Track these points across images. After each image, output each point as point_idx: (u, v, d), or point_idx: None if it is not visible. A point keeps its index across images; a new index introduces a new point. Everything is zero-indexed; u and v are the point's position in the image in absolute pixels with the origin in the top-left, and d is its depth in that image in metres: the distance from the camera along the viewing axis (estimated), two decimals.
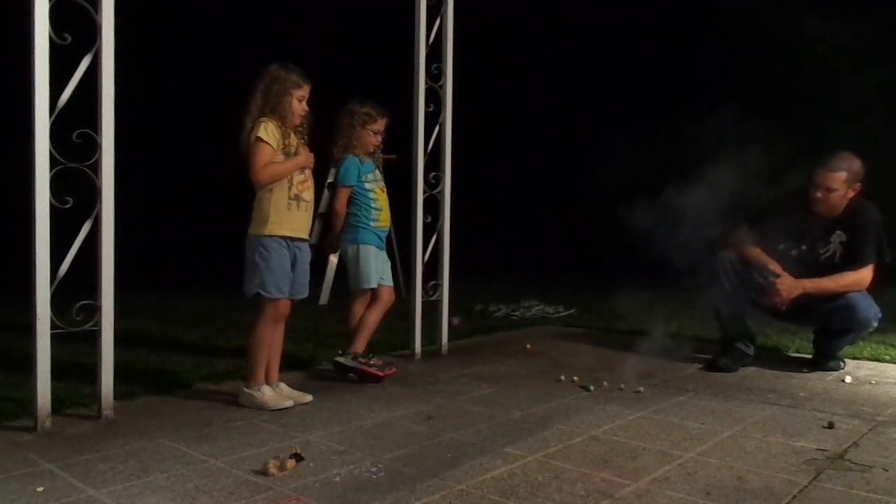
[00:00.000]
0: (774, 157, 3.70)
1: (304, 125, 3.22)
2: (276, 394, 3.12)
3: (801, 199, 3.93)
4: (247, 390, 3.13)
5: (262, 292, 3.07)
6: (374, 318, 3.79)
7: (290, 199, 3.10)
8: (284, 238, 3.10)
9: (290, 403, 3.09)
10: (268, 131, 3.04)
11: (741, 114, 3.75)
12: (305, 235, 3.21)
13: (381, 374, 3.67)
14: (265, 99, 3.08)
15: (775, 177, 3.83)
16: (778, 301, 3.76)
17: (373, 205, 3.78)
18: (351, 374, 3.69)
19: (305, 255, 3.22)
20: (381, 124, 3.76)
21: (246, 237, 3.13)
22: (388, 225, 3.92)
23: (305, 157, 3.15)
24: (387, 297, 3.83)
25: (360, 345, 3.74)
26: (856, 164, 3.81)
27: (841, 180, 3.79)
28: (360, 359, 3.69)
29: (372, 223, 3.78)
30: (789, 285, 3.74)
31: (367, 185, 3.78)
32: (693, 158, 3.75)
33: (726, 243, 3.98)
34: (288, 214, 3.10)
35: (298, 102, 3.12)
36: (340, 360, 3.70)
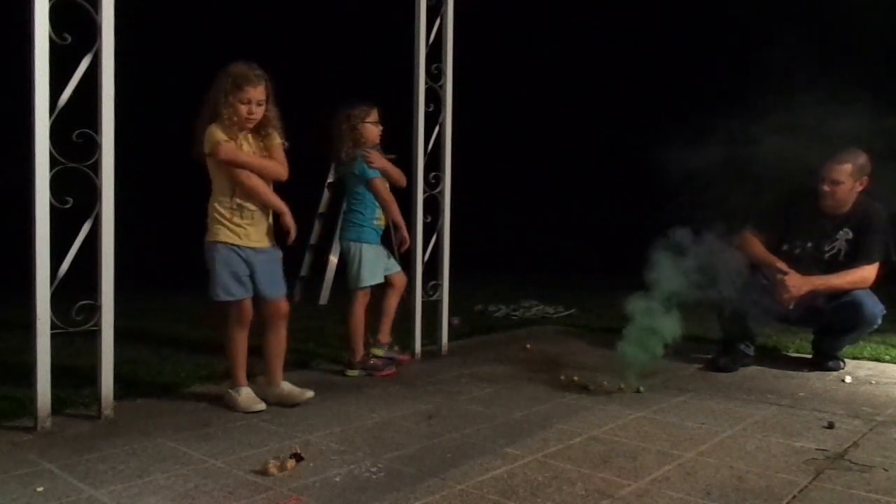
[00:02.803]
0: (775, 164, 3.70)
1: (269, 128, 3.12)
2: (248, 397, 3.09)
3: (807, 197, 3.93)
4: (229, 391, 3.14)
5: (212, 296, 3.08)
6: (392, 304, 3.98)
7: (233, 208, 3.05)
8: (227, 245, 3.05)
9: (261, 407, 3.06)
10: (216, 135, 2.99)
11: (745, 115, 3.75)
12: (256, 243, 3.10)
13: (387, 372, 3.83)
14: (207, 103, 3.02)
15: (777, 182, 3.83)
16: (787, 297, 3.74)
17: (376, 203, 3.85)
18: (365, 371, 3.84)
19: (264, 258, 3.12)
20: (375, 114, 3.86)
21: None
22: (386, 223, 3.97)
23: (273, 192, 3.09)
24: (399, 282, 3.99)
25: (385, 334, 3.94)
26: (861, 158, 3.82)
27: (847, 173, 3.80)
28: (385, 352, 3.90)
29: (375, 221, 3.85)
30: (798, 282, 3.74)
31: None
32: (694, 157, 3.75)
33: (731, 244, 3.97)
34: (230, 222, 3.05)
35: (243, 105, 2.99)
36: (378, 352, 3.88)
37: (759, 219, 3.98)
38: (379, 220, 3.87)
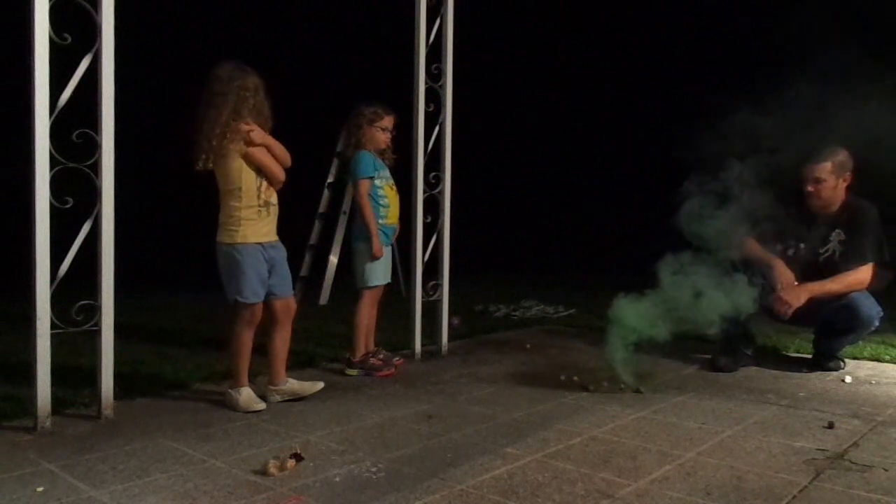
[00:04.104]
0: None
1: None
2: (248, 397, 3.11)
3: (797, 200, 3.94)
4: (230, 391, 3.15)
5: (240, 298, 3.08)
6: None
7: (260, 206, 3.08)
8: (258, 244, 3.09)
9: (261, 406, 3.08)
10: (245, 126, 3.05)
11: (743, 116, 3.74)
12: (275, 237, 3.19)
13: (386, 372, 3.82)
14: (218, 111, 3.03)
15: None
16: (785, 310, 3.73)
17: (381, 202, 3.85)
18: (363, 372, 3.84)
19: (280, 254, 3.19)
20: (387, 121, 3.85)
21: (216, 245, 3.12)
22: (396, 221, 3.99)
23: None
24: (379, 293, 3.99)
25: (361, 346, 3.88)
26: (841, 155, 3.84)
27: (827, 170, 3.83)
28: (372, 358, 3.85)
29: (380, 220, 3.85)
30: (793, 295, 3.73)
31: (376, 182, 3.84)
32: (695, 157, 3.74)
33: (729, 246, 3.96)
34: (258, 221, 3.09)
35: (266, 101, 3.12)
36: (352, 372, 3.84)
37: (753, 223, 3.96)
38: (385, 219, 3.87)
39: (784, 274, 3.80)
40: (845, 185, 3.87)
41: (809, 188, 3.87)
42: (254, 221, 3.08)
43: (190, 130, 3.05)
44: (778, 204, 3.97)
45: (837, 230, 3.88)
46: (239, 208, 3.06)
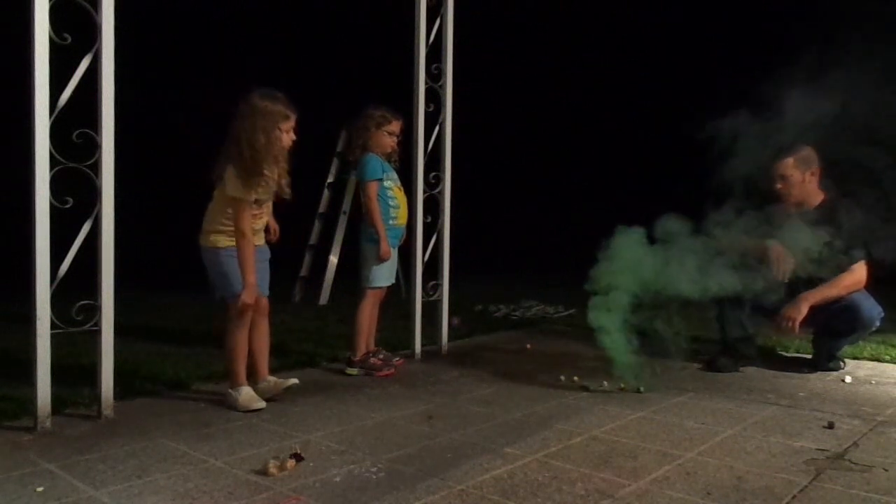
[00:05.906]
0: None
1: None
2: (248, 396, 3.10)
3: (774, 202, 3.94)
4: (229, 390, 3.15)
5: (230, 293, 3.10)
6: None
7: (231, 230, 3.11)
8: (229, 248, 3.10)
9: (261, 405, 3.08)
10: (241, 192, 3.02)
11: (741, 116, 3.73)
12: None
13: (386, 372, 3.81)
14: (253, 135, 3.00)
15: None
16: (790, 327, 3.71)
17: (391, 203, 3.86)
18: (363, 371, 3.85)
19: (257, 256, 3.17)
20: (395, 126, 3.86)
21: (200, 247, 3.15)
22: (405, 222, 4.00)
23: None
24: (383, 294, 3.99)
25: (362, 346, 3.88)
26: (804, 150, 3.86)
27: (791, 166, 3.85)
28: (373, 358, 3.85)
29: (391, 221, 3.86)
30: (794, 311, 3.71)
31: (385, 184, 3.85)
32: (694, 157, 3.74)
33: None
34: (229, 234, 3.11)
35: (287, 134, 3.08)
36: (352, 372, 3.84)
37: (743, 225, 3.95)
38: (395, 220, 3.88)
39: (778, 252, 3.73)
40: (814, 178, 3.89)
41: (778, 186, 3.90)
42: (224, 234, 3.11)
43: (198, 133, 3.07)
44: (756, 206, 3.96)
45: (821, 233, 3.86)
46: (217, 220, 3.12)
